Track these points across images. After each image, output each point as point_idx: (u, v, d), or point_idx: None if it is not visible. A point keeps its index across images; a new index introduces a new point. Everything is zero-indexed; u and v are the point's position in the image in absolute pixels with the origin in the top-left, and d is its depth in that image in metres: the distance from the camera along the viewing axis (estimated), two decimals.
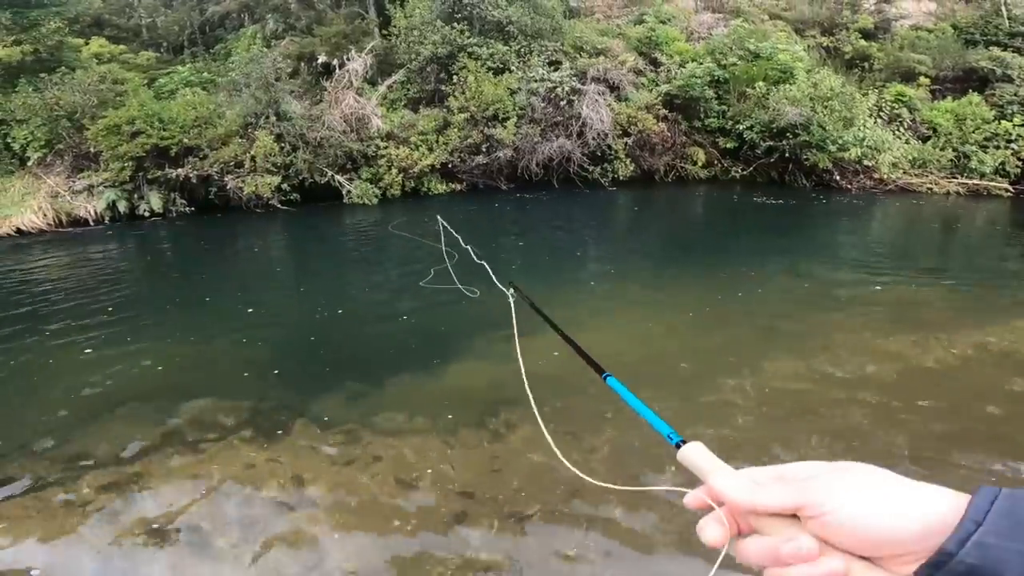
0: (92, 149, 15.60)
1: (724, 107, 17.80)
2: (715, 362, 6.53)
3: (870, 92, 18.80)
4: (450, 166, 15.94)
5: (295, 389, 6.28)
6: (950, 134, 18.11)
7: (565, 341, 1.24)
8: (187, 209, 15.57)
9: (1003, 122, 17.91)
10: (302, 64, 16.58)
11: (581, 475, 1.02)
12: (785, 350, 6.79)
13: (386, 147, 15.62)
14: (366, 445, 5.18)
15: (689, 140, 17.83)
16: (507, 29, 16.61)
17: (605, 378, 1.00)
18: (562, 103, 16.15)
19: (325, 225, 14.91)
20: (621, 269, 10.53)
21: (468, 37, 16.14)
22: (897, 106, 18.70)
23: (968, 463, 4.82)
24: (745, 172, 17.95)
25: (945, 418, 5.47)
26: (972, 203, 16.42)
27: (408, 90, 16.57)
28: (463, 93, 15.76)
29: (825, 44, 22.45)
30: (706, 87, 17.59)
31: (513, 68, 16.28)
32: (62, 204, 15.53)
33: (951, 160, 17.79)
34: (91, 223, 15.34)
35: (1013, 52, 20.34)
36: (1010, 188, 17.20)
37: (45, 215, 15.36)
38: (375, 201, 15.55)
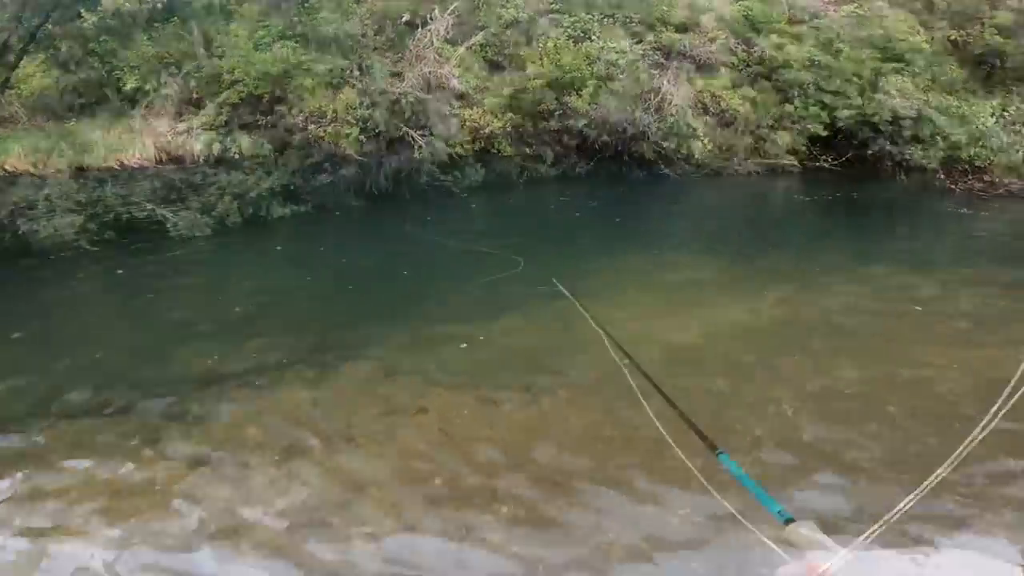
0: (195, 95, 16.83)
1: (821, 93, 16.65)
2: (774, 360, 6.25)
3: (996, 89, 17.07)
4: (520, 130, 15.90)
5: (349, 333, 6.90)
6: None
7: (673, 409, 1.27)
8: (272, 153, 16.50)
9: None
10: (387, 21, 17.06)
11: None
12: (848, 356, 6.35)
13: (459, 107, 15.81)
14: (415, 396, 5.41)
15: (778, 124, 16.82)
16: None
17: (718, 455, 1.07)
18: (641, 76, 15.70)
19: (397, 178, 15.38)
20: (681, 259, 10.24)
21: (551, 3, 16.04)
22: None
23: None
24: (836, 163, 16.73)
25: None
26: None
27: (486, 52, 16.66)
28: (541, 59, 15.68)
29: (953, 37, 20.55)
30: (803, 70, 16.57)
31: (594, 37, 16.00)
32: (164, 144, 16.87)
33: None
34: (187, 162, 16.58)
35: None
36: None
37: (150, 152, 16.75)
38: (445, 158, 15.78)
